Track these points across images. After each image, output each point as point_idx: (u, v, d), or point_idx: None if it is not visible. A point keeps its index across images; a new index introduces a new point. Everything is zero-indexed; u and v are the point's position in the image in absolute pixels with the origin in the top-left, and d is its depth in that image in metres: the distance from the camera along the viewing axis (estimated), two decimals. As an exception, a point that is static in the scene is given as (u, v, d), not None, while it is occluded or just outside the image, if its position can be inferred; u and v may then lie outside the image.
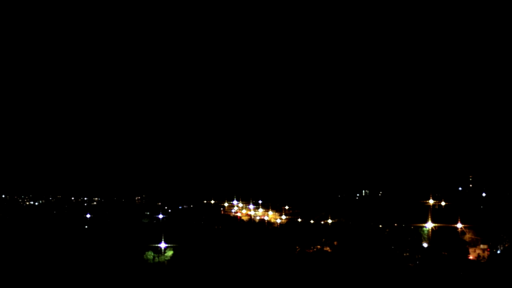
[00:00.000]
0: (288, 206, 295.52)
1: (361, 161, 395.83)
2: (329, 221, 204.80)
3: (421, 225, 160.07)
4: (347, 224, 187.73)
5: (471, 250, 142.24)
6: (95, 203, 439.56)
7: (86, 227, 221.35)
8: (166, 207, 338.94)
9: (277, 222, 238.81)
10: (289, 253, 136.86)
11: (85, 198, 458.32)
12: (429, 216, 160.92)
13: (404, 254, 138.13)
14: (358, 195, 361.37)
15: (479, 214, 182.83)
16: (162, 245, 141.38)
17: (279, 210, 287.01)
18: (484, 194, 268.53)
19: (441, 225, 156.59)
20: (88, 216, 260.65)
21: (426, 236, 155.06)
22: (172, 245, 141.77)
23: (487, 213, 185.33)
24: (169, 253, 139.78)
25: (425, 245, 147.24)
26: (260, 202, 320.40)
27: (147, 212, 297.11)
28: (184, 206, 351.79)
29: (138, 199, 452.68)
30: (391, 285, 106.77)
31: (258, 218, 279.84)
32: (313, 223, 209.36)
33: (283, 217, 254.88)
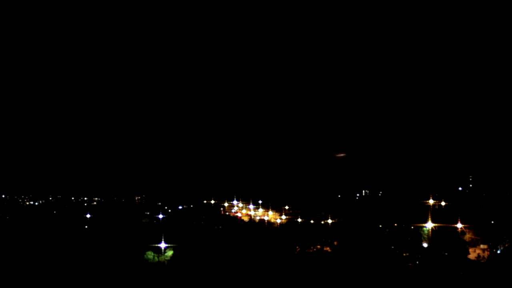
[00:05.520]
0: (288, 206, 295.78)
1: (361, 161, 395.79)
2: (329, 221, 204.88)
3: (421, 225, 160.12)
4: (347, 224, 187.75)
5: (471, 250, 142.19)
6: (95, 203, 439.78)
7: (86, 227, 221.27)
8: (166, 207, 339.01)
9: (277, 222, 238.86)
10: (289, 253, 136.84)
11: (85, 198, 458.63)
12: (429, 216, 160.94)
13: (404, 254, 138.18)
14: (358, 195, 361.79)
15: (479, 214, 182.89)
16: (162, 245, 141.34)
17: (279, 210, 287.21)
18: (484, 194, 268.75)
19: (441, 225, 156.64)
20: (88, 216, 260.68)
21: (426, 236, 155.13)
22: (172, 245, 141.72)
23: (487, 213, 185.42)
24: (169, 253, 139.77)
25: (425, 245, 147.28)
26: (260, 202, 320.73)
27: (147, 212, 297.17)
28: (184, 206, 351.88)
29: (138, 199, 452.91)
30: (391, 285, 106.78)
31: (258, 218, 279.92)
32: (313, 223, 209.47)
33: (283, 217, 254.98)
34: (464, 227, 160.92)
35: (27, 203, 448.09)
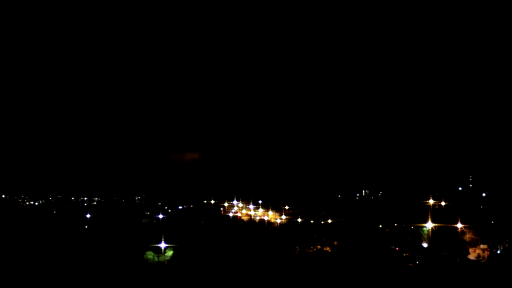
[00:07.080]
0: (288, 206, 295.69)
1: (361, 161, 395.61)
2: (329, 221, 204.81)
3: (421, 225, 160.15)
4: (347, 224, 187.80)
5: (471, 250, 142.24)
6: (95, 203, 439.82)
7: (86, 227, 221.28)
8: (166, 207, 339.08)
9: (277, 222, 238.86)
10: (289, 253, 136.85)
11: (85, 198, 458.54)
12: (429, 216, 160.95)
13: (404, 254, 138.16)
14: (358, 195, 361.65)
15: (479, 214, 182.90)
16: (162, 245, 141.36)
17: (279, 210, 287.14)
18: (484, 194, 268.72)
19: (441, 225, 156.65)
20: (88, 216, 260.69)
21: (426, 236, 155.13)
22: (172, 245, 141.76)
23: (487, 213, 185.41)
24: (169, 253, 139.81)
25: (425, 245, 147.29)
26: (260, 202, 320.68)
27: (147, 212, 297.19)
28: (184, 206, 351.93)
29: (138, 199, 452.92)
30: (391, 285, 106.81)
31: (258, 218, 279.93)
32: (313, 223, 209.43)
33: (283, 217, 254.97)
34: (464, 227, 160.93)
35: (27, 203, 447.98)
